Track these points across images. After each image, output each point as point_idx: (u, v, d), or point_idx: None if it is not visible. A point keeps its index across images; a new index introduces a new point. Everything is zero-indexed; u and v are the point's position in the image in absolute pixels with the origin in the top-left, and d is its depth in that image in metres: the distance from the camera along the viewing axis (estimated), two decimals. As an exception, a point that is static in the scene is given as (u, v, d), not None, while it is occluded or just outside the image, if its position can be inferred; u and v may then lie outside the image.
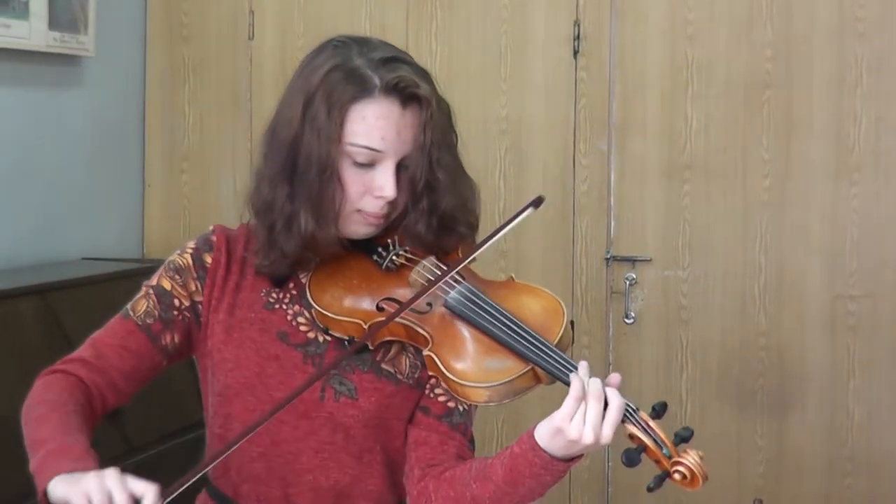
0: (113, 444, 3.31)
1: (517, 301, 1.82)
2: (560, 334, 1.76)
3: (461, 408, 1.90)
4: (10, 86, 3.64)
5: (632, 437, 1.68)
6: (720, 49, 3.73)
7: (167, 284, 1.93)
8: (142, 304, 1.94)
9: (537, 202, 1.81)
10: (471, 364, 1.77)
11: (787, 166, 3.69)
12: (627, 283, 3.80)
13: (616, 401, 1.66)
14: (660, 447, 1.66)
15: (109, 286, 3.67)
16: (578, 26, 3.83)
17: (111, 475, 1.59)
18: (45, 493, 1.63)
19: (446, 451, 1.88)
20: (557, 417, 1.66)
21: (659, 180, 3.79)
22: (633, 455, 1.67)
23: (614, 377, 1.71)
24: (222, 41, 4.20)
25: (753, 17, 3.69)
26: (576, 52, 3.83)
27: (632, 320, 3.80)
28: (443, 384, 1.81)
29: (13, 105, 3.65)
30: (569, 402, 1.65)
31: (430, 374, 1.81)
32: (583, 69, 3.83)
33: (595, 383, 1.66)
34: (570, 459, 1.71)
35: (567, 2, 3.84)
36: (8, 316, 3.17)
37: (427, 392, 1.90)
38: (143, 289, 1.95)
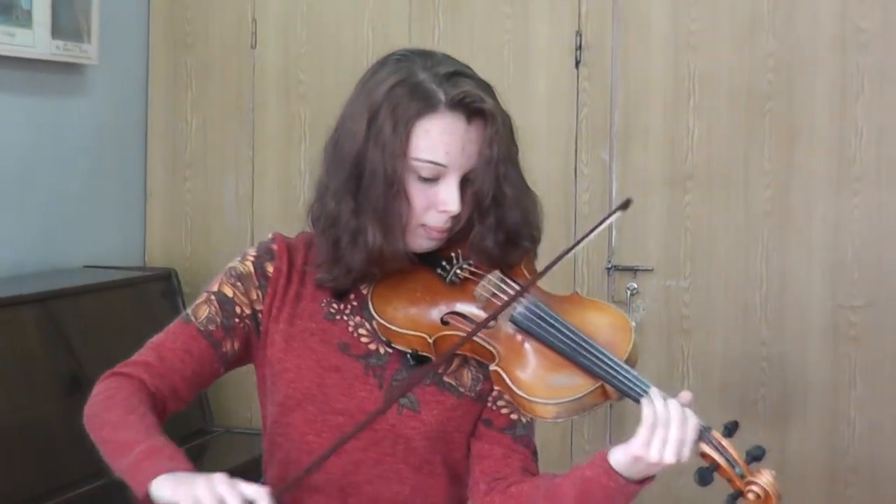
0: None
1: (583, 316, 1.80)
2: (629, 350, 1.74)
3: (524, 420, 1.89)
4: (14, 94, 3.64)
5: (704, 455, 1.68)
6: (722, 59, 3.73)
7: (229, 291, 1.92)
8: (203, 309, 1.92)
9: (625, 205, 1.79)
10: (539, 380, 1.75)
11: (788, 176, 3.69)
12: (629, 292, 3.79)
13: (692, 420, 1.67)
14: (732, 466, 1.66)
15: (111, 294, 3.68)
16: (580, 36, 3.83)
17: (221, 480, 1.61)
18: (146, 495, 1.63)
19: (510, 464, 1.88)
20: (635, 445, 1.66)
21: (661, 190, 3.79)
22: (705, 474, 1.66)
23: (685, 396, 1.72)
24: (225, 49, 4.21)
25: (755, 27, 3.70)
26: (578, 62, 3.84)
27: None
28: (508, 398, 1.80)
29: (16, 113, 3.66)
30: (643, 432, 1.66)
31: (497, 388, 1.81)
32: (585, 79, 3.83)
33: (675, 407, 1.67)
34: (643, 480, 1.71)
35: (569, 12, 3.85)
36: (10, 324, 3.17)
37: (489, 405, 1.90)
38: (204, 294, 1.93)
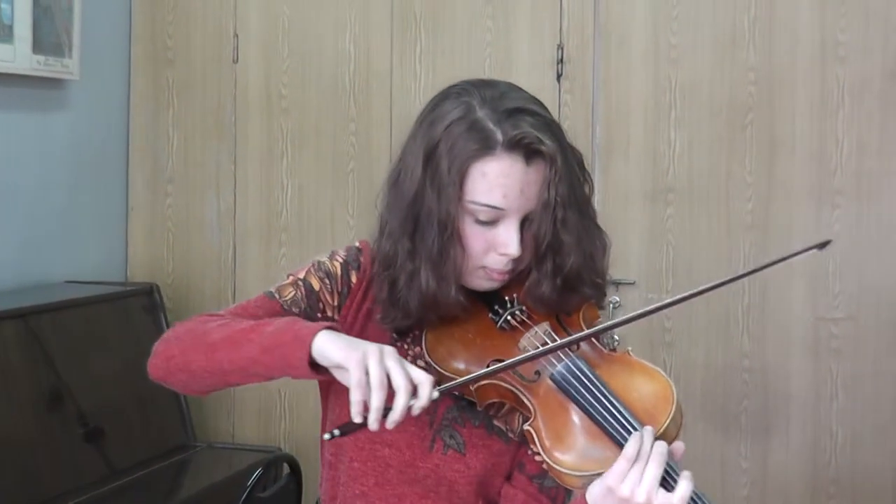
0: (96, 468, 3.30)
1: (627, 381, 1.75)
2: (664, 425, 1.69)
3: None
4: (-6, 109, 3.64)
5: None
6: (703, 72, 3.74)
7: (316, 284, 1.87)
8: (289, 290, 1.87)
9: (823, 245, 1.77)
10: (568, 449, 1.70)
11: (769, 189, 3.70)
12: (612, 306, 3.79)
13: (684, 489, 1.63)
14: None
15: (92, 309, 3.67)
16: (562, 50, 3.84)
17: (391, 353, 1.58)
18: (308, 354, 1.61)
19: None
20: (609, 476, 1.63)
21: (642, 203, 3.80)
22: None
23: (678, 444, 1.68)
24: (206, 64, 4.21)
25: (736, 40, 3.71)
26: (559, 76, 3.85)
27: (616, 343, 3.80)
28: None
29: (-3, 128, 3.65)
30: (620, 462, 1.63)
31: (532, 448, 1.75)
32: (566, 92, 3.84)
33: (660, 446, 1.64)
34: None
35: (550, 25, 3.86)
36: (-9, 339, 3.16)
37: (526, 448, 1.85)
38: (290, 278, 1.89)
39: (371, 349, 1.58)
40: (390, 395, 1.58)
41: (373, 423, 1.56)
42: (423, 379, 1.58)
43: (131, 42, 4.27)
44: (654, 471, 1.62)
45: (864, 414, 3.65)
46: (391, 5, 4.00)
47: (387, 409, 1.57)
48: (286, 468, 3.63)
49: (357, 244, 1.93)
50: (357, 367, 1.56)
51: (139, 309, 3.86)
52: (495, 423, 1.85)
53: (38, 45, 3.69)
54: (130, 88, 4.28)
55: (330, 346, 1.61)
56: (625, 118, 3.82)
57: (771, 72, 3.69)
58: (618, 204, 3.81)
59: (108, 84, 4.18)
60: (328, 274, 1.88)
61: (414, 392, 1.58)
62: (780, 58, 3.68)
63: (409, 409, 1.57)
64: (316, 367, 1.63)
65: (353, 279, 1.89)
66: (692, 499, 1.64)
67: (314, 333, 1.62)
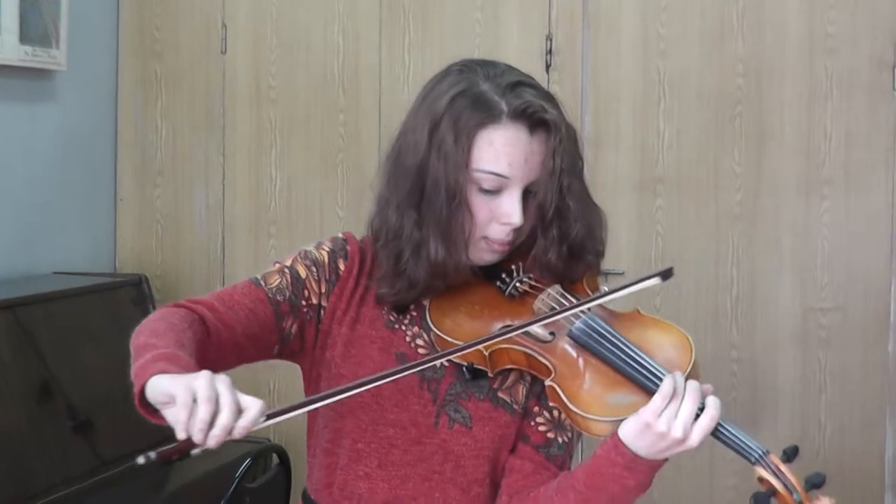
0: (84, 460, 3.29)
1: (643, 334, 1.79)
2: (688, 370, 1.71)
3: (561, 440, 1.86)
4: (-19, 100, 3.63)
5: (761, 480, 1.66)
6: (692, 63, 3.75)
7: (302, 272, 1.87)
8: (274, 278, 1.86)
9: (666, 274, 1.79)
10: (595, 397, 1.72)
11: (758, 180, 3.71)
12: (600, 296, 3.79)
13: (712, 410, 1.67)
14: (791, 493, 1.64)
15: (81, 301, 3.65)
16: (551, 40, 3.84)
17: (222, 379, 1.52)
18: (142, 392, 1.55)
19: (538, 480, 1.84)
20: (646, 412, 1.65)
21: (631, 194, 3.80)
22: (762, 499, 1.65)
23: (707, 387, 1.71)
24: (195, 55, 4.20)
25: (725, 32, 3.71)
26: (548, 66, 3.85)
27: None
28: (561, 415, 1.79)
29: (-16, 119, 3.64)
30: (656, 399, 1.65)
31: (552, 404, 1.77)
32: (555, 83, 3.84)
33: (693, 383, 1.67)
34: (652, 465, 1.69)
35: (539, 16, 3.86)
36: (-22, 331, 3.15)
37: (529, 420, 1.86)
38: (276, 265, 1.88)
39: (202, 374, 1.52)
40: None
41: (197, 434, 1.48)
42: (252, 404, 1.51)
43: (119, 33, 4.26)
44: (690, 406, 1.65)
45: (851, 404, 3.67)
46: (380, -4, 4.01)
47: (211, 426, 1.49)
48: (275, 459, 3.63)
49: (341, 235, 1.94)
50: (184, 391, 1.49)
51: (128, 300, 3.85)
52: (500, 395, 1.85)
53: (25, 36, 3.67)
54: (118, 79, 4.27)
55: (163, 380, 1.53)
56: (614, 109, 3.82)
57: (760, 63, 3.70)
58: (607, 194, 3.80)
59: (95, 75, 4.17)
60: (315, 262, 1.88)
61: (240, 415, 1.50)
62: (769, 49, 3.69)
63: (231, 429, 1.49)
64: (152, 410, 1.57)
65: (342, 267, 1.89)
66: (718, 425, 1.69)
67: (155, 374, 1.55)
